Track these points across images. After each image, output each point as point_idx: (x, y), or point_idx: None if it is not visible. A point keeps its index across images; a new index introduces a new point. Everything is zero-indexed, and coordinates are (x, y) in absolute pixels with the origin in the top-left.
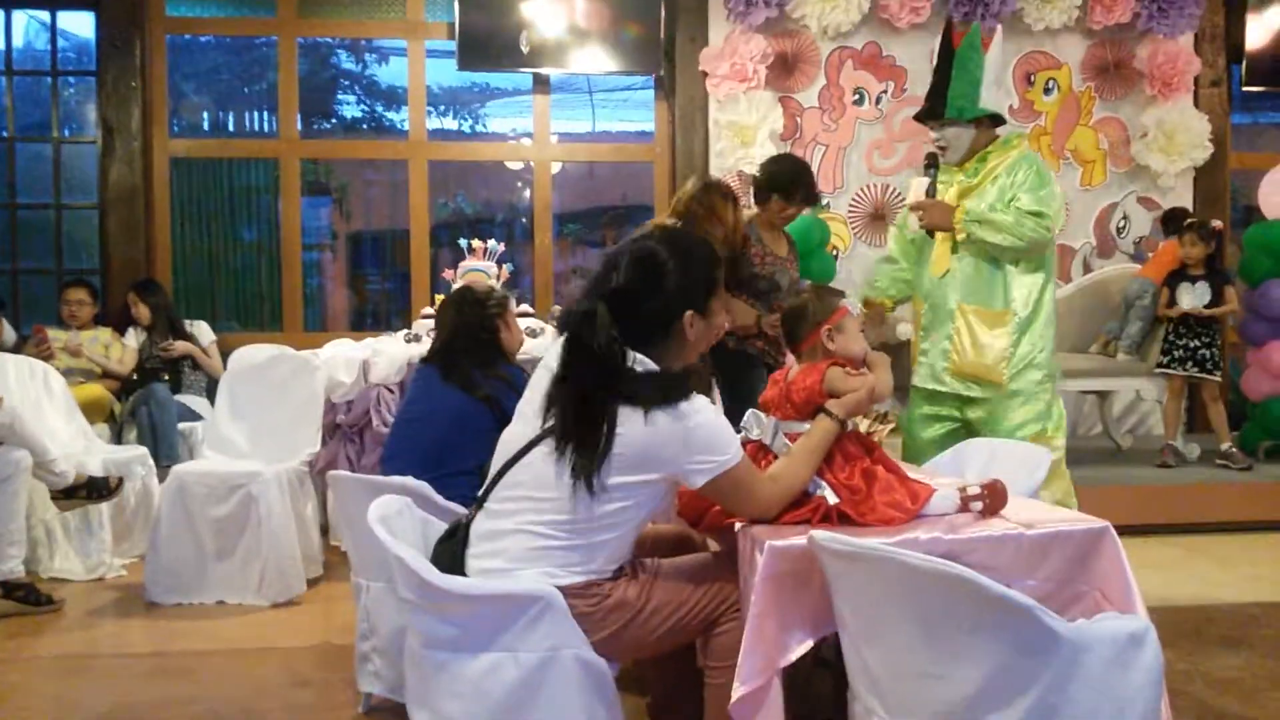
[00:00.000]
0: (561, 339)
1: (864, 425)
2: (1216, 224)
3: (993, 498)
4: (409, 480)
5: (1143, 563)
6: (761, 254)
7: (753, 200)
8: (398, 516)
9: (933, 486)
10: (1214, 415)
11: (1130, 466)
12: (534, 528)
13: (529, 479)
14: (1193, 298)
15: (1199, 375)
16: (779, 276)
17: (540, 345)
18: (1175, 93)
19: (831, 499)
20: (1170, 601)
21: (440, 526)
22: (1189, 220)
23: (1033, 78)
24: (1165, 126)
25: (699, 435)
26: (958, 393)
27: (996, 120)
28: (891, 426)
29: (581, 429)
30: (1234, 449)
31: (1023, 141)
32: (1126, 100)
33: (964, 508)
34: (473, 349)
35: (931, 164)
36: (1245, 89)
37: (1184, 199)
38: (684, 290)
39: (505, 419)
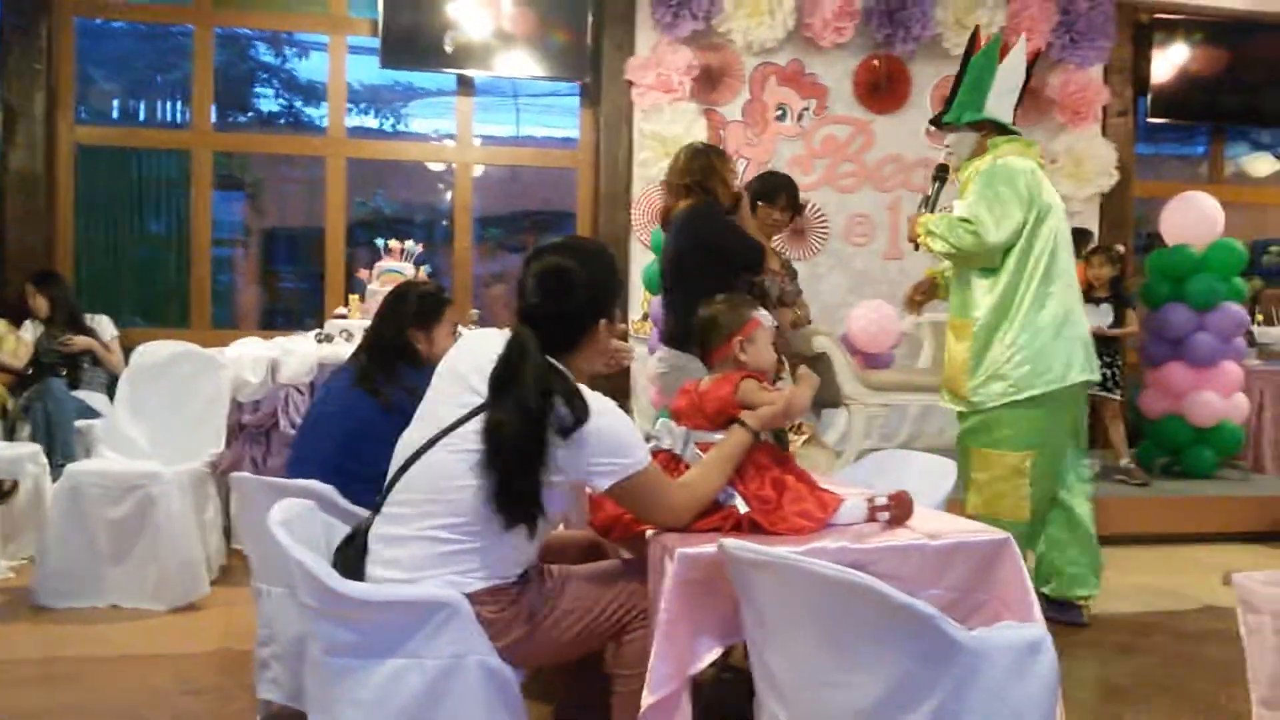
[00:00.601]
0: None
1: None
2: (1119, 248)
3: (899, 508)
4: (313, 483)
5: None
6: None
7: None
8: (300, 520)
9: (842, 496)
10: (1114, 432)
11: None
12: (433, 532)
13: (426, 482)
14: (1096, 318)
15: (1100, 394)
16: (769, 288)
17: None
18: (1084, 121)
19: (742, 508)
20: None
21: (345, 531)
22: (1095, 244)
23: None
24: (1074, 153)
25: (606, 437)
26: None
27: (1002, 129)
28: (806, 437)
29: (517, 463)
30: (1132, 465)
31: (1005, 148)
32: (1038, 126)
33: (872, 518)
34: (394, 350)
35: (939, 176)
36: (1150, 120)
37: (1090, 224)
38: (594, 298)
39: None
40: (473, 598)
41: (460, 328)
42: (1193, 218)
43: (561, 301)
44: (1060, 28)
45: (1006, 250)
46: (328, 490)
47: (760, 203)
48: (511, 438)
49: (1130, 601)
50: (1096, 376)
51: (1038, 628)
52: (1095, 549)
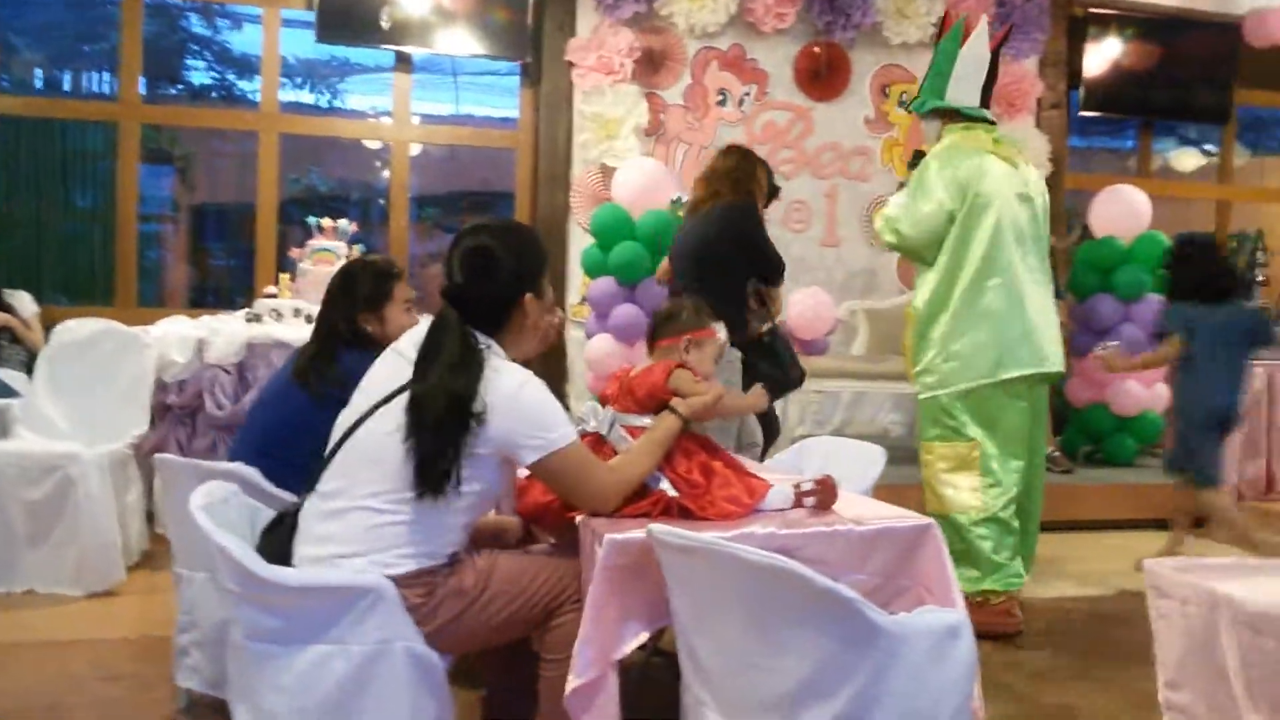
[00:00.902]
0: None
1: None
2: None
3: (824, 493)
4: (239, 466)
5: None
6: None
7: None
8: (223, 504)
9: (770, 483)
10: None
11: None
12: (370, 501)
13: (361, 453)
14: None
15: None
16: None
17: None
18: (1019, 113)
19: (670, 492)
20: None
21: (270, 515)
22: None
23: (888, 90)
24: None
25: (528, 408)
26: None
27: (967, 115)
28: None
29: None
30: (1057, 452)
31: (955, 137)
32: None
33: (798, 503)
34: (344, 337)
35: (913, 164)
36: (1082, 114)
37: None
38: (518, 275)
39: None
40: (401, 581)
41: None
42: (1121, 211)
43: (485, 280)
44: (996, 20)
45: (943, 242)
46: (253, 473)
47: None
48: (432, 407)
49: (1053, 587)
50: (1044, 369)
51: (957, 613)
52: (1029, 542)
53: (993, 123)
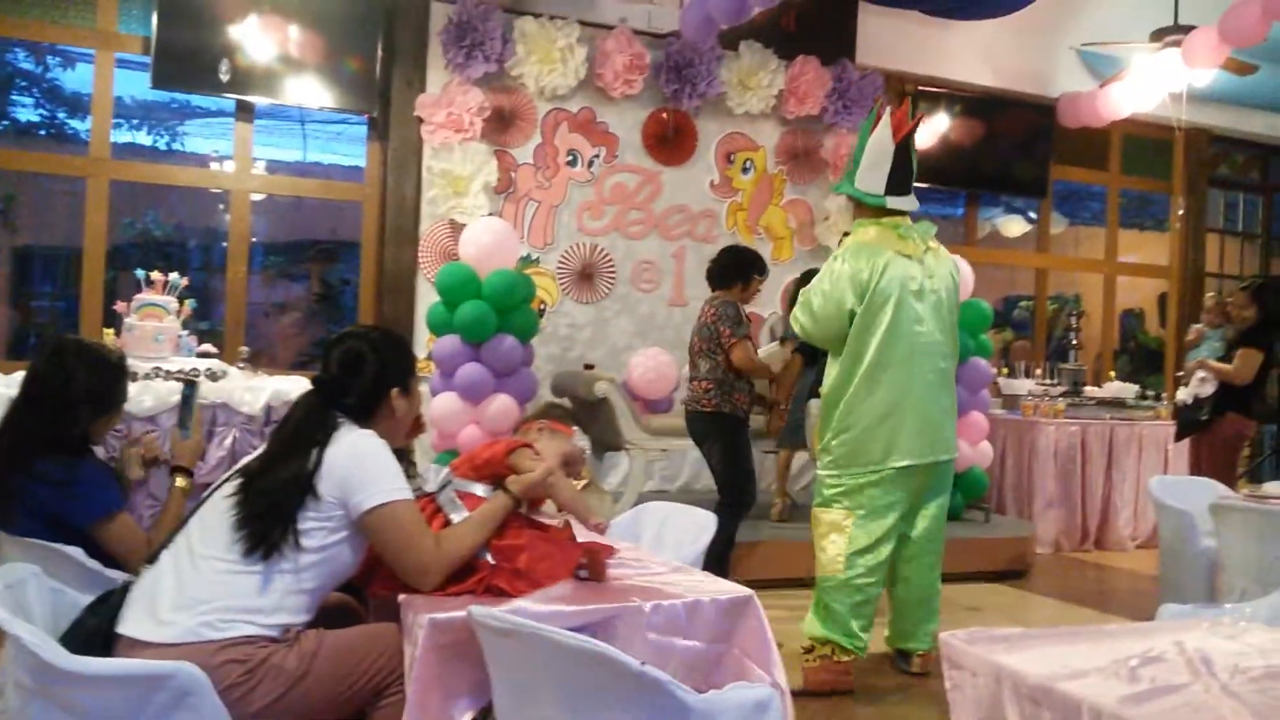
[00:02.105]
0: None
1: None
2: None
3: (592, 565)
4: (70, 549)
5: (799, 616)
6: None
7: (722, 285)
8: (21, 586)
9: (581, 555)
10: None
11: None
12: (207, 556)
13: (201, 516)
14: None
15: None
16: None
17: (222, 390)
18: None
19: (489, 560)
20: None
21: (73, 596)
22: None
23: (733, 157)
24: (845, 212)
25: (365, 456)
26: None
27: (874, 206)
28: (585, 481)
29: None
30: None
31: (860, 231)
32: (813, 185)
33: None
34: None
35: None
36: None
37: None
38: (385, 374)
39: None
40: (222, 648)
41: (225, 366)
42: None
43: (353, 376)
44: (833, 94)
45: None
46: (76, 553)
47: (757, 276)
48: (263, 465)
49: (883, 642)
50: (931, 459)
51: (764, 688)
52: (929, 610)
53: (902, 212)
